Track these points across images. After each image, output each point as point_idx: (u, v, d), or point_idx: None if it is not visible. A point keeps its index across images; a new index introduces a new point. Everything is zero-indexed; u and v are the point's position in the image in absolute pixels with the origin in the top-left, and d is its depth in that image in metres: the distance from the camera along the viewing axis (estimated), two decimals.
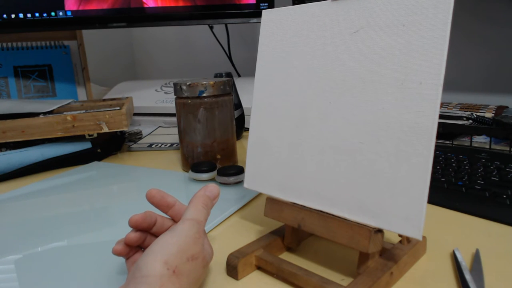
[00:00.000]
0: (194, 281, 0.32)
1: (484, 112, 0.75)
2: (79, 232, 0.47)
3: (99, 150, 0.79)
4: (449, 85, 0.93)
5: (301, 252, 0.41)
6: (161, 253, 0.30)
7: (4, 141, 0.73)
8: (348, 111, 0.35)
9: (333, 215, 0.35)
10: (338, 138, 0.35)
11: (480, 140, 0.73)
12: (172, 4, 0.99)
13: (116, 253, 0.35)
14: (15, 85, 1.09)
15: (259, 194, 0.56)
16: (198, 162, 0.64)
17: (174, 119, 1.00)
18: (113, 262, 0.39)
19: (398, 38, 0.32)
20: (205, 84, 0.63)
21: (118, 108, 0.81)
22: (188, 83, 0.64)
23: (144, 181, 0.66)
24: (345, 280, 0.35)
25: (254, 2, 0.98)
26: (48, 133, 0.75)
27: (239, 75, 1.26)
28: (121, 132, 0.86)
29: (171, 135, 0.95)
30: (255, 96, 0.43)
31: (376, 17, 0.34)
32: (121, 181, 0.66)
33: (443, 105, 0.82)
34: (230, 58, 1.27)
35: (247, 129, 0.90)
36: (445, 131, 0.70)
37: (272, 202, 0.40)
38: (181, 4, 0.99)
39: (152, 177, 0.67)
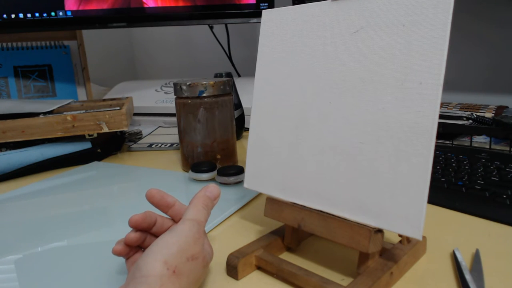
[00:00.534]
0: (194, 281, 0.32)
1: (484, 112, 0.75)
2: (79, 232, 0.47)
3: (99, 150, 0.79)
4: (449, 85, 0.93)
5: (301, 252, 0.41)
6: (161, 253, 0.30)
7: (4, 141, 0.73)
8: (348, 111, 0.35)
9: (333, 215, 0.35)
10: (338, 138, 0.35)
11: (480, 140, 0.73)
12: (172, 4, 0.99)
13: (116, 253, 0.35)
14: (15, 85, 1.09)
15: (259, 194, 0.56)
16: (198, 162, 0.64)
17: (174, 119, 1.00)
18: (112, 262, 0.39)
19: (398, 38, 0.32)
20: (205, 84, 0.63)
21: (118, 108, 0.81)
22: (188, 83, 0.64)
23: (144, 181, 0.66)
24: (345, 280, 0.35)
25: (254, 2, 0.98)
26: (48, 133, 0.75)
27: (239, 75, 1.26)
28: (121, 132, 0.86)
29: (171, 135, 0.95)
30: (255, 96, 0.43)
31: (376, 17, 0.34)
32: (121, 181, 0.66)
33: (443, 105, 0.82)
34: (230, 58, 1.27)
35: (247, 129, 0.90)
36: (445, 131, 0.70)
37: (272, 202, 0.40)
38: (181, 4, 0.99)
39: (152, 177, 0.67)
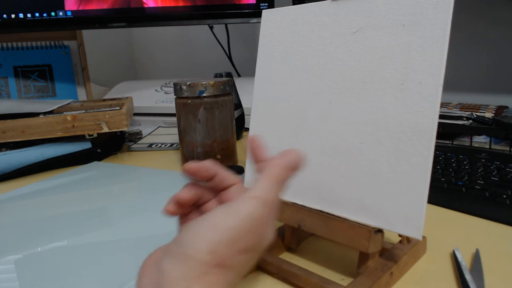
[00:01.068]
0: (242, 274, 0.26)
1: (484, 112, 0.75)
2: (79, 232, 0.47)
3: (99, 150, 0.79)
4: (449, 85, 0.92)
5: (301, 252, 0.41)
6: (208, 237, 0.24)
7: (4, 141, 0.73)
8: (348, 111, 0.35)
9: (333, 215, 0.35)
10: (338, 138, 0.35)
11: (480, 140, 0.73)
12: (172, 4, 0.99)
13: (168, 212, 0.30)
14: (15, 85, 1.09)
15: None
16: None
17: (174, 119, 1.00)
18: (112, 262, 0.39)
19: (398, 38, 0.32)
20: (205, 84, 0.63)
21: (118, 108, 0.81)
22: (188, 83, 0.64)
23: (144, 181, 0.66)
24: (345, 280, 0.35)
25: (254, 2, 0.98)
26: (48, 133, 0.74)
27: (239, 75, 1.26)
28: (121, 132, 0.86)
29: (171, 135, 0.95)
30: (255, 96, 0.43)
31: (376, 17, 0.34)
32: (121, 181, 0.66)
33: (443, 105, 0.82)
34: (230, 58, 1.27)
35: (247, 129, 0.90)
36: (445, 131, 0.70)
37: None
38: (181, 4, 0.99)
39: (152, 177, 0.67)
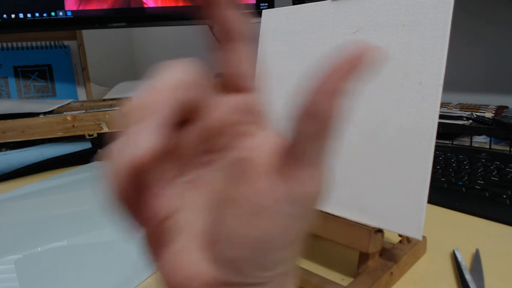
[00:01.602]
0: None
1: (484, 112, 0.75)
2: (79, 232, 0.47)
3: (99, 150, 0.79)
4: (449, 85, 0.92)
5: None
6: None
7: (4, 141, 0.73)
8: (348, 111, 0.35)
9: (333, 215, 0.35)
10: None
11: (480, 140, 0.73)
12: (172, 4, 0.99)
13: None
14: (15, 85, 1.09)
15: None
16: None
17: None
18: (112, 262, 0.39)
19: (398, 38, 0.32)
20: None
21: (118, 108, 0.81)
22: None
23: None
24: (345, 280, 0.35)
25: (254, 2, 0.98)
26: (48, 133, 0.74)
27: None
28: None
29: None
30: None
31: (376, 17, 0.34)
32: None
33: (443, 105, 0.81)
34: None
35: None
36: (445, 131, 0.70)
37: None
38: (181, 4, 0.99)
39: None
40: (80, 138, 0.78)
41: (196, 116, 0.17)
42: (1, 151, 0.75)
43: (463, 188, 0.51)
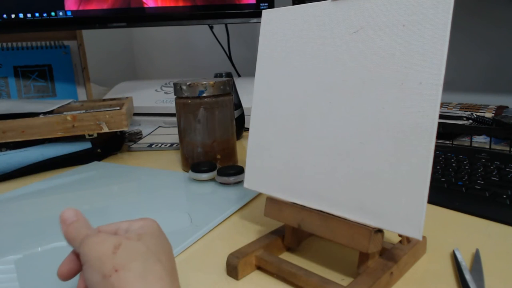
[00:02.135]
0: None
1: (484, 112, 0.75)
2: None
3: (99, 150, 0.79)
4: (449, 85, 0.93)
5: (301, 252, 0.41)
6: None
7: (4, 141, 0.73)
8: (348, 111, 0.35)
9: (333, 215, 0.35)
10: (338, 138, 0.35)
11: (480, 140, 0.73)
12: (172, 4, 0.99)
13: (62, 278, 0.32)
14: (15, 85, 1.09)
15: (259, 194, 0.56)
16: (198, 162, 0.64)
17: (174, 119, 1.00)
18: None
19: (398, 38, 0.32)
20: (205, 84, 0.63)
21: (118, 108, 0.81)
22: (188, 83, 0.64)
23: (144, 181, 0.66)
24: (345, 280, 0.35)
25: (254, 2, 0.98)
26: (48, 133, 0.74)
27: (239, 75, 1.26)
28: (121, 132, 0.86)
29: (171, 135, 0.95)
30: (255, 96, 0.43)
31: (376, 17, 0.34)
32: (121, 181, 0.66)
33: (443, 105, 0.82)
34: (230, 58, 1.27)
35: (247, 129, 0.90)
36: (445, 131, 0.70)
37: (272, 202, 0.40)
38: (181, 4, 0.99)
39: (152, 177, 0.67)
40: (80, 138, 0.78)
41: None
42: (1, 151, 0.75)
43: (463, 188, 0.51)
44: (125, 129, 0.78)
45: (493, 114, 0.74)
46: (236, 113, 0.85)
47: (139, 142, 0.91)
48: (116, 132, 0.84)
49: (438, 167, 0.57)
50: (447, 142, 0.72)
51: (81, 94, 1.16)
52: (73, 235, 0.31)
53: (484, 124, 0.68)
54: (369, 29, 0.34)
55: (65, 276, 0.31)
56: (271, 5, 0.97)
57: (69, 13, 1.00)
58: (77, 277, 0.31)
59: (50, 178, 0.69)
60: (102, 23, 1.02)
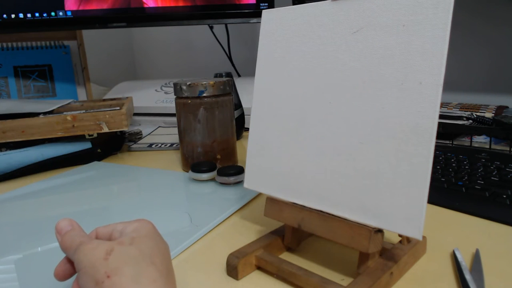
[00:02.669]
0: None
1: (484, 112, 0.75)
2: None
3: (99, 150, 0.79)
4: (449, 85, 0.93)
5: (301, 252, 0.41)
6: None
7: (4, 141, 0.73)
8: (348, 111, 0.35)
9: (333, 215, 0.35)
10: (338, 138, 0.35)
11: (480, 140, 0.73)
12: (172, 4, 0.99)
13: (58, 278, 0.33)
14: (15, 85, 1.09)
15: (259, 194, 0.56)
16: (198, 162, 0.64)
17: (174, 119, 1.00)
18: None
19: (398, 38, 0.32)
20: (205, 84, 0.63)
21: (118, 108, 0.81)
22: (188, 83, 0.64)
23: (144, 181, 0.66)
24: (345, 280, 0.35)
25: (254, 2, 0.98)
26: (48, 133, 0.74)
27: (239, 75, 1.26)
28: (121, 132, 0.86)
29: (171, 135, 0.95)
30: (255, 96, 0.43)
31: (376, 17, 0.34)
32: (121, 181, 0.66)
33: (443, 105, 0.82)
34: (230, 58, 1.27)
35: (247, 129, 0.90)
36: (445, 131, 0.70)
37: (272, 202, 0.40)
38: (181, 4, 0.99)
39: (152, 177, 0.67)
40: (80, 138, 0.78)
41: None
42: (1, 151, 0.75)
43: (463, 188, 0.51)
44: (125, 129, 0.78)
45: (493, 114, 0.74)
46: (236, 113, 0.85)
47: (139, 142, 0.91)
48: (116, 132, 0.84)
49: (438, 167, 0.57)
50: (447, 142, 0.72)
51: (81, 94, 1.16)
52: (68, 244, 0.31)
53: (484, 124, 0.68)
54: (369, 29, 0.34)
55: (61, 277, 0.32)
56: (271, 5, 0.97)
57: (69, 13, 1.00)
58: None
59: (50, 178, 0.69)
60: (102, 23, 1.02)
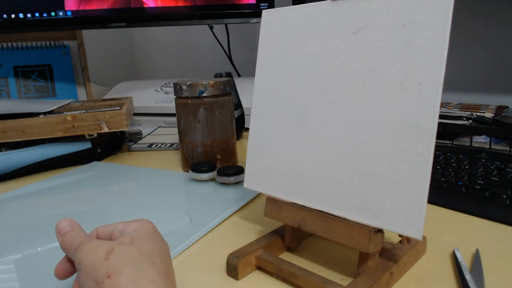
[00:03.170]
0: None
1: (484, 112, 0.75)
2: None
3: (99, 150, 0.79)
4: (449, 85, 0.93)
5: (301, 252, 0.41)
6: None
7: (4, 141, 0.73)
8: (348, 111, 0.35)
9: (333, 215, 0.35)
10: (338, 138, 0.35)
11: (480, 140, 0.73)
12: (172, 4, 0.99)
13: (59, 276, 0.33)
14: (15, 85, 1.09)
15: (259, 194, 0.56)
16: (198, 162, 0.64)
17: (174, 119, 1.00)
18: None
19: (398, 38, 0.32)
20: (205, 84, 0.63)
21: (118, 108, 0.81)
22: (188, 83, 0.64)
23: (144, 181, 0.66)
24: (345, 280, 0.35)
25: (254, 2, 0.98)
26: (48, 133, 0.74)
27: (239, 75, 1.26)
28: (121, 132, 0.86)
29: (171, 135, 0.95)
30: (255, 96, 0.43)
31: (376, 17, 0.34)
32: (121, 181, 0.66)
33: (443, 105, 0.82)
34: (230, 58, 1.27)
35: (247, 129, 0.90)
36: (445, 131, 0.70)
37: (272, 202, 0.40)
38: (181, 4, 0.99)
39: (152, 177, 0.67)
40: (80, 138, 0.78)
41: None
42: (1, 151, 0.75)
43: (463, 188, 0.51)
44: (125, 129, 0.78)
45: (493, 114, 0.74)
46: (236, 113, 0.85)
47: (139, 142, 0.91)
48: (116, 132, 0.84)
49: (438, 167, 0.57)
50: (447, 142, 0.72)
51: (81, 94, 1.16)
52: (68, 244, 0.31)
53: (484, 124, 0.68)
54: (369, 29, 0.34)
55: (61, 276, 0.32)
56: (271, 5, 0.97)
57: (69, 13, 1.00)
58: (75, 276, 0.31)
59: (50, 178, 0.69)
60: (102, 23, 1.02)
